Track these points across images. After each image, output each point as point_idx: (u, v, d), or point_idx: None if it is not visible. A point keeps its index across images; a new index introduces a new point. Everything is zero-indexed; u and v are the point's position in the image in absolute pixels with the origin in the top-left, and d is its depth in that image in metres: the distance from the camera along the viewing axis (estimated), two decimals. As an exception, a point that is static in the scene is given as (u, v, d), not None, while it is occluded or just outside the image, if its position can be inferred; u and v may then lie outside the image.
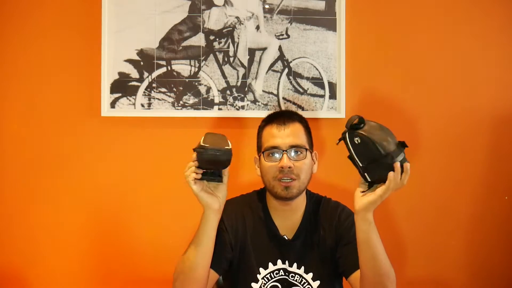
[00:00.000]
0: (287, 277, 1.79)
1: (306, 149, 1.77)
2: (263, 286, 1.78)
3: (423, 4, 2.31)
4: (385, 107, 2.30)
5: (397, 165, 1.49)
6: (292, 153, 1.75)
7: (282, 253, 1.78)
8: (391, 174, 1.50)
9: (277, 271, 1.79)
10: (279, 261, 1.79)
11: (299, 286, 1.79)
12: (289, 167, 1.72)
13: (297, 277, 1.79)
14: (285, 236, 1.79)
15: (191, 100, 2.25)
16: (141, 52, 2.23)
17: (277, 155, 1.75)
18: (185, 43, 2.25)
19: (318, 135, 2.20)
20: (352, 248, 1.67)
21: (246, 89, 2.26)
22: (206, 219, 1.62)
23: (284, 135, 1.75)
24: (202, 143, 1.56)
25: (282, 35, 2.27)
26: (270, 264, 1.79)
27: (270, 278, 1.79)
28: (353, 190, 2.27)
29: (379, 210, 2.28)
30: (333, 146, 2.25)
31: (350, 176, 2.29)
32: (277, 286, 1.79)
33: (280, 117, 1.81)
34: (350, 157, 1.57)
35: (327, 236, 1.80)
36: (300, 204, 1.84)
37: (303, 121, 1.84)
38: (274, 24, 2.26)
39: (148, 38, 2.23)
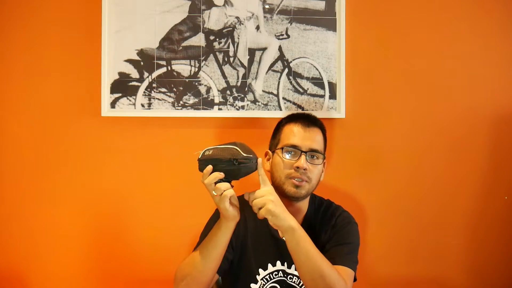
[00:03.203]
0: (285, 279, 1.79)
1: (323, 155, 1.81)
2: (262, 287, 1.79)
3: (423, 4, 2.31)
4: (385, 107, 2.30)
5: None
6: (310, 157, 1.77)
7: (281, 254, 1.79)
8: None
9: (276, 272, 1.80)
10: (278, 263, 1.80)
11: (296, 288, 1.80)
12: (305, 169, 1.74)
13: (295, 278, 1.80)
14: (284, 238, 1.80)
15: (191, 100, 2.25)
16: (141, 52, 2.23)
17: (294, 155, 1.77)
18: (185, 43, 2.24)
19: (318, 135, 2.20)
20: (336, 247, 1.74)
21: (246, 89, 2.25)
22: (229, 229, 1.60)
23: (306, 137, 1.79)
24: (244, 154, 1.53)
25: (282, 35, 2.26)
26: (270, 265, 1.79)
27: (269, 279, 1.79)
28: (353, 190, 2.29)
29: (380, 210, 2.30)
30: (332, 147, 2.26)
31: (349, 176, 2.31)
32: (276, 287, 1.79)
33: (306, 119, 1.84)
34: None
35: (324, 239, 1.80)
36: (303, 206, 1.86)
37: (323, 129, 1.87)
38: (274, 24, 2.26)
39: (148, 38, 2.23)
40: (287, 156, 1.77)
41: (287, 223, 1.55)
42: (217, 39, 2.25)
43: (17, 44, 2.23)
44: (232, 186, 1.55)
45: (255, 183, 1.57)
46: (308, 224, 1.83)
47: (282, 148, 1.79)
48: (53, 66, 2.24)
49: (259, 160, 1.55)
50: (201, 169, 1.54)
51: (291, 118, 1.86)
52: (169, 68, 2.24)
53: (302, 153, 1.76)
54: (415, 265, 2.31)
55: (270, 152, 1.87)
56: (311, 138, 1.79)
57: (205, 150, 1.55)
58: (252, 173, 1.56)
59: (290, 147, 1.78)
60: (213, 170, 1.52)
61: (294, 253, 1.58)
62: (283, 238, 1.78)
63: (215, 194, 1.52)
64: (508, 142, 2.32)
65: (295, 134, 1.79)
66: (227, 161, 1.51)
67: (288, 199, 1.77)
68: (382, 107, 2.30)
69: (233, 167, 1.51)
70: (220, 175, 1.51)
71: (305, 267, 1.57)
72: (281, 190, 1.76)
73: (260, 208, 1.54)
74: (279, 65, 2.26)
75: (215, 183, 1.51)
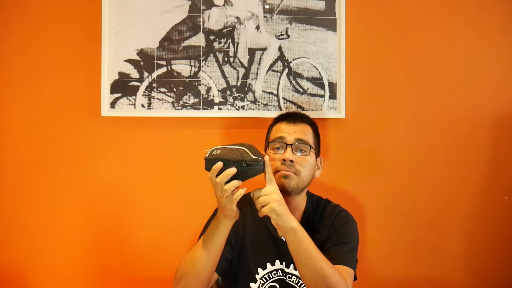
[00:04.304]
0: (284, 278, 1.80)
1: (311, 147, 1.79)
2: (261, 286, 1.79)
3: (423, 4, 2.31)
4: (385, 107, 2.30)
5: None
6: (297, 149, 1.77)
7: (280, 254, 1.79)
8: None
9: (275, 272, 1.80)
10: (277, 262, 1.80)
11: (295, 287, 1.80)
12: (291, 161, 1.74)
13: (294, 278, 1.80)
14: (282, 237, 1.79)
15: (191, 100, 2.25)
16: (141, 52, 2.23)
17: (281, 149, 1.77)
18: (185, 43, 2.25)
19: (318, 135, 2.20)
20: (335, 247, 1.73)
21: (246, 89, 2.25)
22: (227, 228, 1.59)
23: (292, 130, 1.79)
24: (253, 156, 1.49)
25: (282, 35, 2.26)
26: (268, 265, 1.80)
27: (268, 279, 1.79)
28: (353, 190, 2.29)
29: (380, 210, 2.30)
30: (332, 147, 2.26)
31: (349, 176, 2.31)
32: (275, 286, 1.79)
33: (291, 116, 1.85)
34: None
35: (323, 238, 1.80)
36: (300, 204, 1.85)
37: (313, 125, 1.87)
38: (274, 24, 2.26)
39: (148, 38, 2.23)
40: (274, 151, 1.78)
41: (289, 223, 1.55)
42: (217, 39, 2.25)
43: (17, 44, 2.24)
44: (243, 188, 1.51)
45: (249, 183, 1.55)
46: (307, 222, 1.83)
47: (269, 144, 1.81)
48: (53, 66, 2.24)
49: (266, 157, 1.54)
50: (208, 168, 1.50)
51: (279, 118, 1.87)
52: (169, 68, 2.24)
53: (288, 145, 1.76)
54: (415, 265, 2.31)
55: (264, 154, 1.87)
56: (297, 131, 1.79)
57: (213, 150, 1.52)
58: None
59: (275, 140, 1.79)
60: (221, 170, 1.48)
61: (295, 254, 1.58)
62: (282, 237, 1.78)
63: (224, 195, 1.49)
64: (508, 142, 2.32)
65: (281, 129, 1.81)
66: (235, 162, 1.47)
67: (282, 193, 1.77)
68: (382, 107, 2.30)
69: (241, 168, 1.48)
70: (233, 170, 1.47)
71: (306, 268, 1.57)
72: None
73: (263, 206, 1.53)
74: (279, 65, 2.26)
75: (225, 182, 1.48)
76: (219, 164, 1.48)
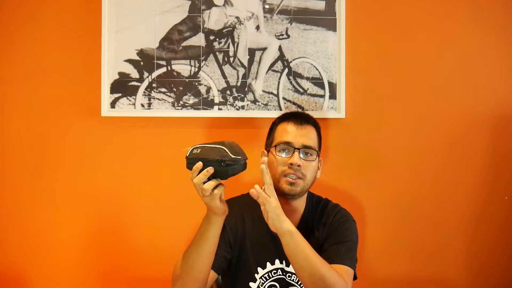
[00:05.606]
0: (284, 277, 1.80)
1: (316, 152, 1.81)
2: (261, 285, 1.79)
3: (423, 4, 2.31)
4: (385, 107, 2.30)
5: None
6: (303, 153, 1.78)
7: (279, 253, 1.78)
8: None
9: (275, 271, 1.80)
10: (277, 261, 1.80)
11: (296, 286, 1.80)
12: (298, 165, 1.75)
13: (294, 277, 1.80)
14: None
15: (191, 100, 2.25)
16: (141, 52, 2.23)
17: (288, 152, 1.78)
18: (185, 43, 2.25)
19: (318, 135, 2.20)
20: (334, 246, 1.73)
21: (246, 89, 2.25)
22: (218, 224, 1.58)
23: (299, 134, 1.80)
24: (233, 156, 1.48)
25: (282, 35, 2.26)
26: (268, 264, 1.80)
27: (268, 278, 1.79)
28: (353, 190, 2.29)
29: (379, 210, 2.30)
30: (332, 147, 2.26)
31: (349, 175, 2.31)
32: (275, 285, 1.79)
33: (298, 117, 1.85)
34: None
35: (322, 238, 1.80)
36: (300, 205, 1.85)
37: (317, 126, 1.88)
38: (274, 24, 2.26)
39: (148, 38, 2.23)
40: (281, 153, 1.79)
41: (286, 226, 1.55)
42: (217, 39, 2.25)
43: (17, 44, 2.24)
44: (223, 184, 1.51)
45: (247, 183, 1.55)
46: (306, 223, 1.83)
47: (275, 146, 1.80)
48: (53, 66, 2.24)
49: (263, 166, 1.52)
50: (189, 167, 1.50)
51: (284, 117, 1.87)
52: (169, 68, 2.24)
53: (295, 150, 1.77)
54: (415, 265, 2.31)
55: (265, 152, 1.88)
56: (304, 135, 1.80)
57: (193, 148, 1.51)
58: (239, 173, 1.52)
59: (283, 144, 1.79)
60: (201, 170, 1.47)
61: (292, 257, 1.57)
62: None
63: (204, 195, 1.48)
64: (508, 142, 2.32)
65: (288, 132, 1.81)
66: (215, 161, 1.47)
67: (284, 197, 1.77)
68: (382, 107, 2.30)
69: (221, 168, 1.47)
70: (208, 172, 1.46)
71: (304, 271, 1.57)
72: (276, 188, 1.74)
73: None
74: (279, 65, 2.26)
75: (204, 182, 1.47)
76: (199, 165, 1.47)
